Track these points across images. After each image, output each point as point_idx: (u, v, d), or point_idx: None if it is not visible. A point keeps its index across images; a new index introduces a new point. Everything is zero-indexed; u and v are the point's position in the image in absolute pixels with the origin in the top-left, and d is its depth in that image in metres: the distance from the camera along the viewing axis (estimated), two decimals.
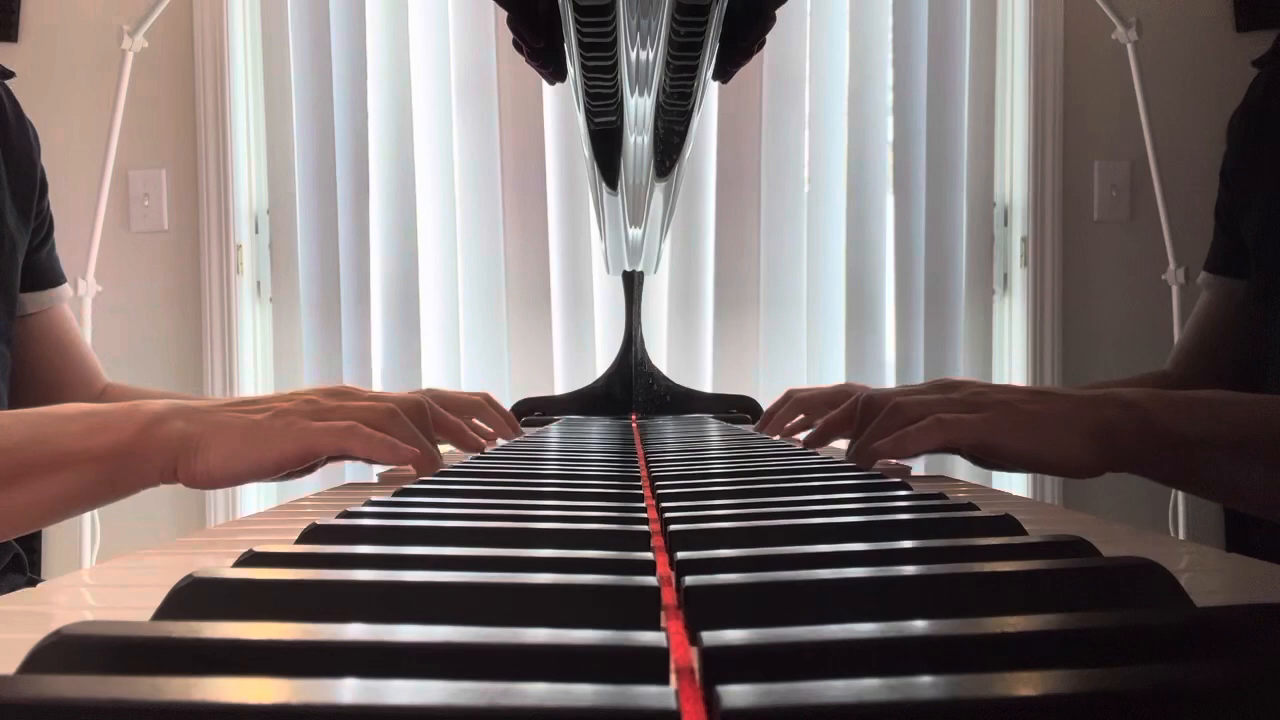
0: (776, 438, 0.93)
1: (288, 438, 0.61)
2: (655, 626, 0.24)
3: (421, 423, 0.70)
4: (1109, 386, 0.77)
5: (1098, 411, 0.61)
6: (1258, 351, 1.01)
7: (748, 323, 2.02)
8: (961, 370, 2.02)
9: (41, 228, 1.00)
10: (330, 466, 0.70)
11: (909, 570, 0.28)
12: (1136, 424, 0.60)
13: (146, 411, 0.61)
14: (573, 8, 0.51)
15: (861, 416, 0.70)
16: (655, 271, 1.36)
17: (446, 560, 0.31)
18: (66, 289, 1.04)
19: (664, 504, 0.42)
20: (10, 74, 0.98)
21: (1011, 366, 2.05)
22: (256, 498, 2.01)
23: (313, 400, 0.66)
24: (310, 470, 0.67)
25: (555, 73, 0.65)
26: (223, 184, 1.99)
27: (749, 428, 1.06)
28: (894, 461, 0.72)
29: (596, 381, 1.26)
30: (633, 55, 0.57)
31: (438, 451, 0.71)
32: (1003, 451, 0.62)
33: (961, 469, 1.96)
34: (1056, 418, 0.61)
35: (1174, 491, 1.87)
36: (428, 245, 2.03)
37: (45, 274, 1.01)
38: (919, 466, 0.86)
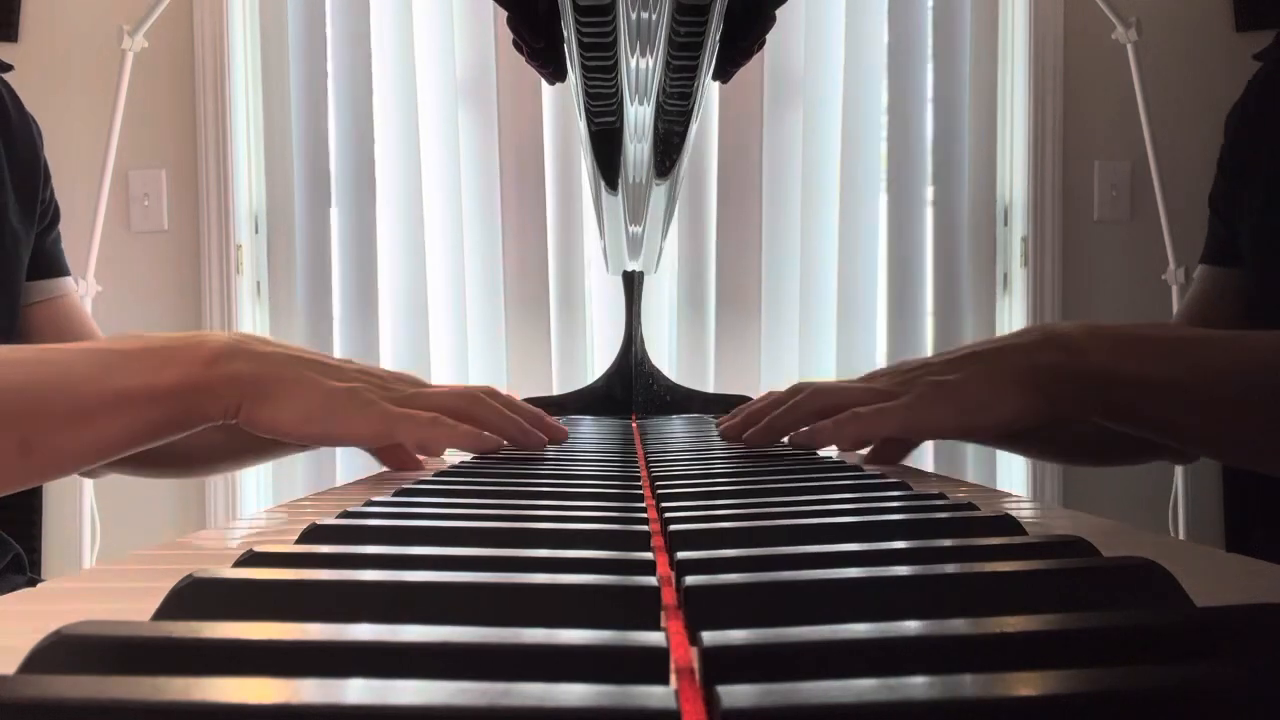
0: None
1: (369, 418, 0.60)
2: (655, 626, 0.24)
3: (506, 405, 0.69)
4: None
5: (1025, 358, 0.60)
6: None
7: (748, 323, 2.02)
8: None
9: (46, 215, 1.00)
10: (326, 467, 0.71)
11: (909, 570, 0.28)
12: (1070, 363, 0.58)
13: (212, 347, 0.60)
14: (573, 8, 0.51)
15: (790, 400, 0.69)
16: (655, 271, 1.35)
17: (447, 560, 0.31)
18: (72, 282, 1.03)
19: (664, 504, 0.42)
20: (9, 67, 0.99)
21: None
22: (256, 498, 2.01)
23: (387, 384, 0.65)
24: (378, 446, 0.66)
25: (555, 73, 0.65)
26: (223, 184, 1.99)
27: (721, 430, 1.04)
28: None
29: (596, 381, 1.26)
30: (632, 55, 0.57)
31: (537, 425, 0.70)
32: (930, 430, 0.61)
33: (966, 470, 1.96)
34: (978, 380, 0.60)
35: (1174, 491, 1.87)
36: (428, 246, 2.03)
37: (51, 262, 1.00)
38: (926, 462, 0.85)
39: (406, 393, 0.65)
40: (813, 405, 0.66)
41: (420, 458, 0.72)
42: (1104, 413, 0.60)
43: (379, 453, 0.71)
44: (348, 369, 0.65)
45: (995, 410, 0.59)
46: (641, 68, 0.59)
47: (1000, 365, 0.60)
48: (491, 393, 0.70)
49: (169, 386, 0.58)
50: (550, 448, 0.74)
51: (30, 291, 0.98)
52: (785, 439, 0.71)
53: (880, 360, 2.03)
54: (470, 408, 0.65)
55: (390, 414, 0.61)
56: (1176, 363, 0.58)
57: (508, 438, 0.67)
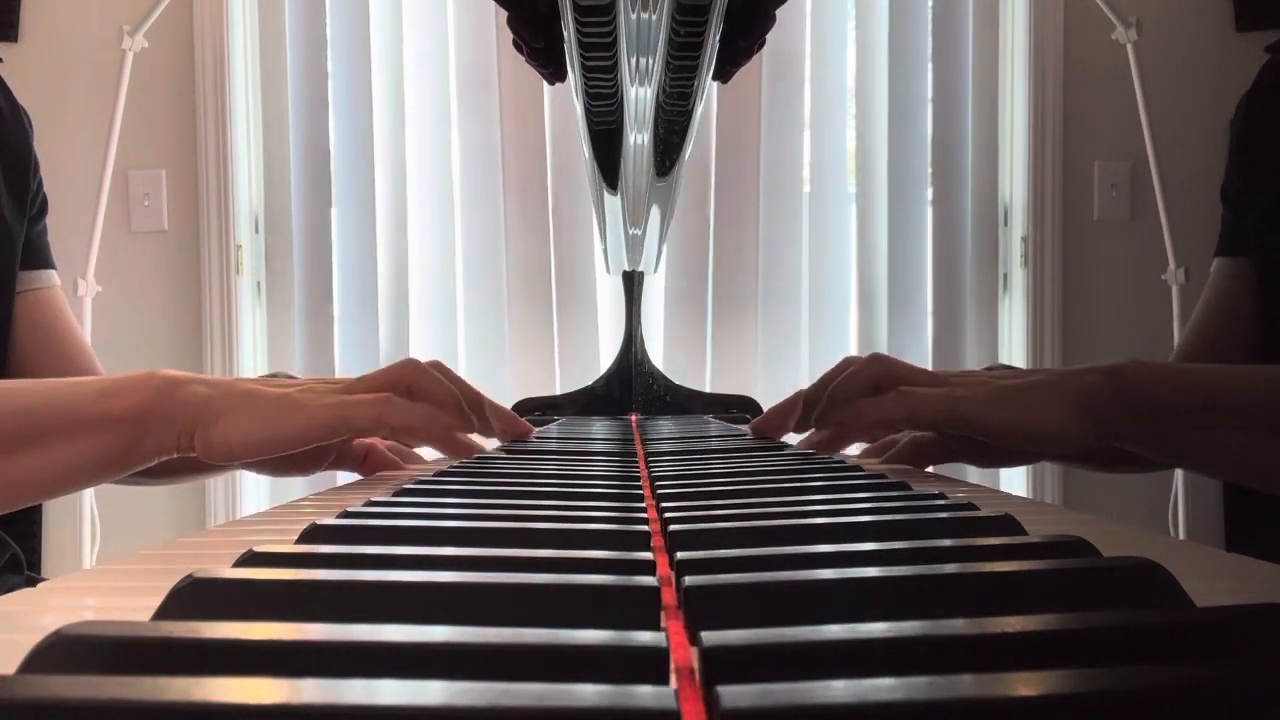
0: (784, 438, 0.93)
1: (319, 409, 0.60)
2: (655, 627, 0.24)
3: (447, 375, 0.69)
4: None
5: (1078, 380, 0.61)
6: (1257, 333, 1.01)
7: (747, 323, 2.02)
8: None
9: (34, 205, 0.99)
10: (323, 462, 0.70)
11: (909, 570, 0.28)
12: (1119, 390, 0.60)
13: (164, 376, 0.60)
14: (573, 8, 0.51)
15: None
16: (655, 271, 1.35)
17: (446, 560, 0.31)
18: (56, 275, 1.02)
19: (664, 504, 0.42)
20: None
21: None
22: (256, 498, 2.01)
23: (332, 383, 0.66)
24: (332, 465, 0.67)
25: (555, 73, 0.65)
26: (222, 184, 1.99)
27: (749, 428, 1.05)
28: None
29: (596, 381, 1.26)
30: (632, 56, 0.57)
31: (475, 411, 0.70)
32: (977, 424, 0.61)
33: (967, 470, 1.96)
34: (1034, 388, 0.61)
35: (1174, 491, 1.87)
36: (428, 246, 2.03)
37: (36, 254, 0.99)
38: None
39: (349, 380, 0.67)
40: (870, 372, 0.66)
41: (398, 460, 0.72)
42: (1153, 443, 0.61)
43: (361, 466, 0.71)
44: (290, 381, 0.66)
45: (1043, 419, 0.60)
46: (641, 68, 0.59)
47: (1060, 384, 0.61)
48: (438, 363, 0.71)
49: (121, 412, 0.58)
50: (551, 448, 0.73)
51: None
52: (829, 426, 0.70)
53: None
54: (412, 375, 0.66)
55: (342, 402, 0.61)
56: (1224, 393, 0.60)
57: (448, 410, 0.67)
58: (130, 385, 0.59)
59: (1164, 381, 0.60)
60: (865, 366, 0.67)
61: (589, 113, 0.66)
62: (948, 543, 0.33)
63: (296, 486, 1.94)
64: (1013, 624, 0.21)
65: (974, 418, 0.60)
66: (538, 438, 0.85)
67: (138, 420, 0.58)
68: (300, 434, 0.60)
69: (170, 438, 0.59)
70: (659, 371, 1.26)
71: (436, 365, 0.70)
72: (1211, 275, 1.09)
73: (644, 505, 0.44)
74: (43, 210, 1.01)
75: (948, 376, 0.66)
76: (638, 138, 0.70)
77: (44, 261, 1.00)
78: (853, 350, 2.02)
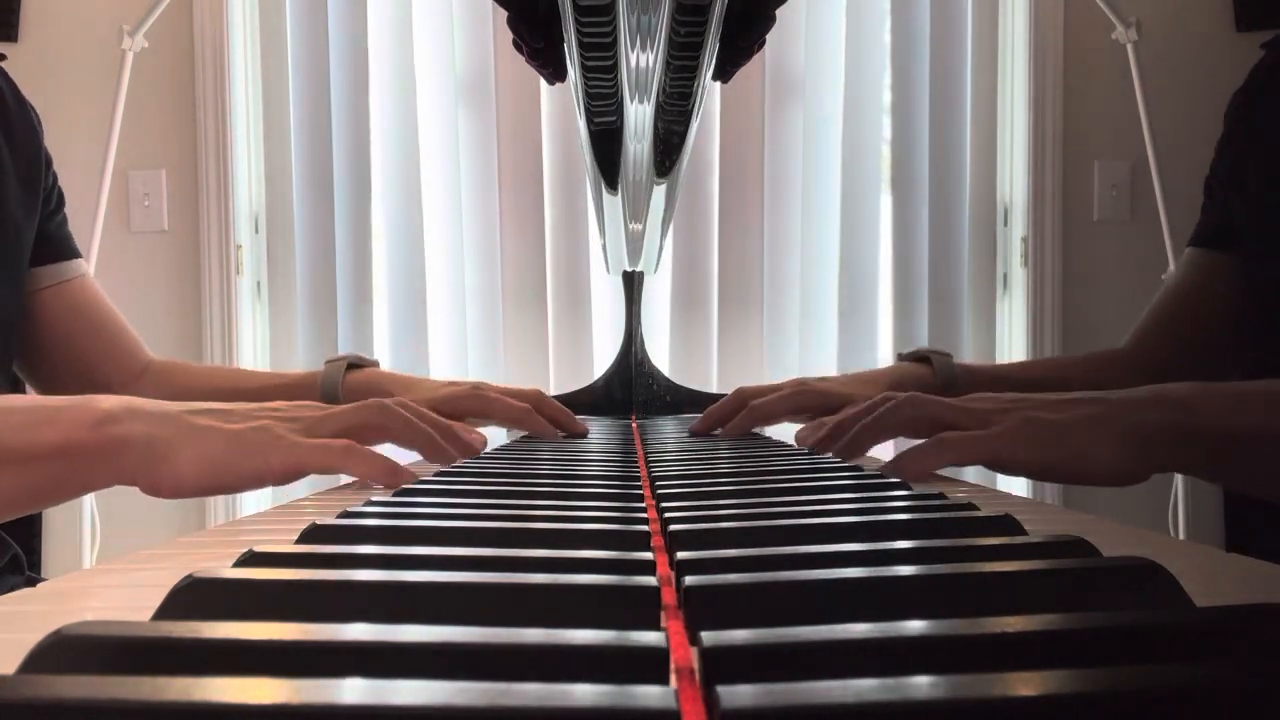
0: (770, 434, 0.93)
1: (275, 452, 0.57)
2: (655, 627, 0.24)
3: (415, 415, 0.67)
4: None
5: (1135, 414, 0.57)
6: (1228, 328, 1.02)
7: (749, 323, 2.02)
8: None
9: (50, 200, 1.00)
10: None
11: (909, 570, 0.28)
12: (1181, 423, 0.56)
13: (98, 409, 0.56)
14: (573, 8, 0.51)
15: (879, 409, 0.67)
16: (655, 271, 1.35)
17: (446, 560, 0.31)
18: (84, 263, 1.03)
19: (664, 504, 0.42)
20: (1, 56, 0.99)
21: (1002, 363, 2.05)
22: (256, 498, 2.01)
23: (293, 414, 0.63)
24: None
25: (555, 73, 0.65)
26: (223, 184, 1.99)
27: (690, 429, 1.04)
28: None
29: (596, 381, 1.26)
30: (633, 55, 0.57)
31: (461, 435, 0.68)
32: (1021, 468, 0.58)
33: (967, 470, 1.96)
34: (1080, 424, 0.57)
35: (1174, 492, 1.87)
36: (427, 246, 2.03)
37: (60, 245, 1.00)
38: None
39: (315, 417, 0.62)
40: (899, 417, 0.64)
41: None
42: (1211, 473, 0.59)
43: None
44: (248, 410, 0.62)
45: (1095, 462, 0.56)
46: (641, 68, 0.59)
47: (1109, 416, 0.57)
48: (405, 405, 0.68)
49: (49, 446, 0.54)
50: (551, 448, 0.73)
51: (41, 276, 0.98)
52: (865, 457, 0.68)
53: (882, 360, 2.02)
54: (380, 419, 0.63)
55: (299, 446, 0.58)
56: None
57: (418, 450, 0.65)
58: (62, 416, 0.55)
59: (1233, 407, 0.56)
60: (899, 408, 0.64)
61: (589, 113, 0.66)
62: (948, 543, 0.33)
63: (296, 487, 1.94)
64: (1013, 624, 0.21)
65: (1017, 462, 0.58)
66: (538, 437, 0.85)
67: (66, 456, 0.54)
68: (254, 477, 0.57)
69: (107, 476, 0.56)
70: (659, 372, 1.26)
71: (402, 404, 0.68)
72: (1183, 263, 1.09)
73: (644, 505, 0.44)
74: (60, 204, 1.02)
75: (984, 408, 0.63)
76: (637, 138, 0.70)
77: (70, 252, 1.02)
78: (854, 349, 2.02)
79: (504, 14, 0.62)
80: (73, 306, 1.00)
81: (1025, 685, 0.17)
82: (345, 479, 0.68)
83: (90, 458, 0.55)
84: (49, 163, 1.00)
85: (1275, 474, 0.57)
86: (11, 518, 0.58)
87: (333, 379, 0.94)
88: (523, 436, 0.95)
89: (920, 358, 1.01)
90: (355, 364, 0.98)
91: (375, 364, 1.01)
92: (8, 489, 0.55)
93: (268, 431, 0.58)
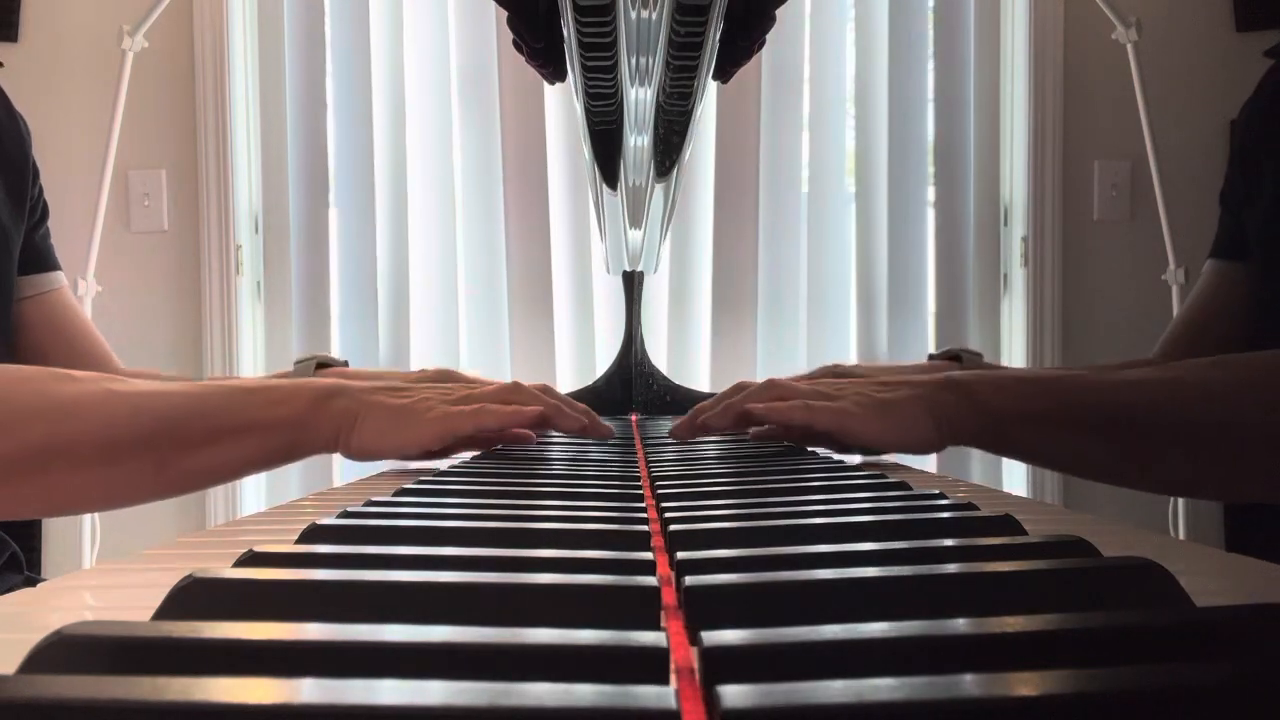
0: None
1: (430, 422, 0.70)
2: (655, 627, 0.24)
3: (542, 392, 0.77)
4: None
5: (935, 394, 0.69)
6: (1248, 338, 1.02)
7: (746, 323, 2.02)
8: None
9: (35, 211, 1.01)
10: (322, 468, 0.73)
11: (909, 570, 0.28)
12: (964, 403, 0.68)
13: (317, 388, 0.70)
14: (573, 8, 0.51)
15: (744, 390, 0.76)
16: (655, 271, 1.35)
17: (446, 560, 0.31)
18: (63, 276, 1.05)
19: (664, 504, 0.42)
20: None
21: (1011, 366, 2.05)
22: (256, 498, 2.01)
23: (445, 389, 0.76)
24: (446, 454, 0.76)
25: (555, 73, 0.65)
26: (222, 184, 1.99)
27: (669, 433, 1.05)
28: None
29: (596, 381, 1.26)
30: (633, 56, 0.57)
31: (574, 408, 0.77)
32: (862, 437, 0.69)
33: (969, 470, 1.96)
34: (905, 403, 0.69)
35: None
36: (429, 246, 2.03)
37: (42, 257, 1.02)
38: (929, 461, 0.85)
39: (460, 394, 0.75)
40: (767, 394, 0.74)
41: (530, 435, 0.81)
42: (992, 443, 0.70)
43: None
44: (412, 387, 0.76)
45: (913, 433, 0.68)
46: (641, 68, 0.59)
47: (920, 396, 0.69)
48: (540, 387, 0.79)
49: (284, 419, 0.68)
50: (550, 448, 0.74)
51: (22, 286, 0.99)
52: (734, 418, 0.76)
53: (883, 360, 2.02)
54: (513, 395, 0.75)
55: (448, 413, 0.70)
56: (1048, 399, 0.68)
57: (547, 417, 0.75)
58: (289, 395, 0.70)
59: (1002, 391, 0.68)
60: (762, 389, 0.74)
61: (589, 113, 0.66)
62: (948, 542, 0.33)
63: (296, 487, 1.94)
64: (1013, 624, 0.21)
65: (859, 431, 0.69)
66: (538, 437, 0.85)
67: (295, 427, 0.69)
68: (415, 443, 0.70)
69: (320, 442, 0.70)
70: (659, 371, 1.26)
71: (542, 388, 0.79)
72: (1203, 275, 1.10)
73: (644, 505, 0.44)
74: (44, 216, 1.03)
75: (833, 387, 0.74)
76: (638, 138, 0.70)
77: (50, 264, 1.03)
78: (852, 351, 2.02)
79: (504, 14, 0.62)
80: (50, 318, 1.02)
81: (1026, 685, 0.17)
82: (344, 480, 0.69)
83: (311, 428, 0.69)
84: (36, 173, 1.01)
85: (1037, 447, 0.70)
86: (250, 475, 0.72)
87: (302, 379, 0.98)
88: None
89: (951, 356, 1.10)
90: (324, 364, 1.06)
91: (345, 364, 1.11)
92: (254, 451, 0.68)
93: (424, 403, 0.71)
